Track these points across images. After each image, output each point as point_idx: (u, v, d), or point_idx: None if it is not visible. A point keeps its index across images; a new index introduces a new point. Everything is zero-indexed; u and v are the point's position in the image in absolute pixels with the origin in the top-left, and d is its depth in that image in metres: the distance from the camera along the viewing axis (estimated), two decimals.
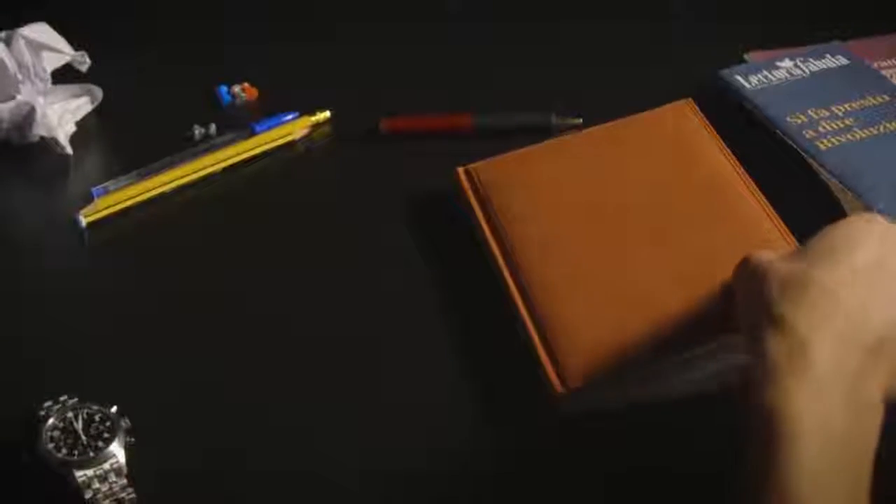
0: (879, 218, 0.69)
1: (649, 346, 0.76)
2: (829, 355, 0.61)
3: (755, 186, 0.85)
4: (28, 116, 0.96)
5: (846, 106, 0.98)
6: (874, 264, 0.65)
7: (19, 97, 0.97)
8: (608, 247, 0.83)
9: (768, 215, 0.83)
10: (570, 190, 0.87)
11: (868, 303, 0.63)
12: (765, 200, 0.84)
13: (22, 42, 0.97)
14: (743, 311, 0.69)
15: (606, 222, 0.84)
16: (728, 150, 0.88)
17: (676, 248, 0.82)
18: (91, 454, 0.71)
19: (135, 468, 0.72)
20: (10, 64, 0.96)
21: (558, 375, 0.77)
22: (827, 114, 0.97)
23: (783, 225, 0.82)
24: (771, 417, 0.60)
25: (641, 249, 0.82)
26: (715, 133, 0.89)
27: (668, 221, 0.84)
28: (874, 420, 0.61)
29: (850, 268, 0.64)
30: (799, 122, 0.96)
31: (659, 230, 0.83)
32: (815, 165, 0.93)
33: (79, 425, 0.72)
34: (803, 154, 0.94)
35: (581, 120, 0.98)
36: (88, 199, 0.93)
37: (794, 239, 0.81)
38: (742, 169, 0.86)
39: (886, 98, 0.99)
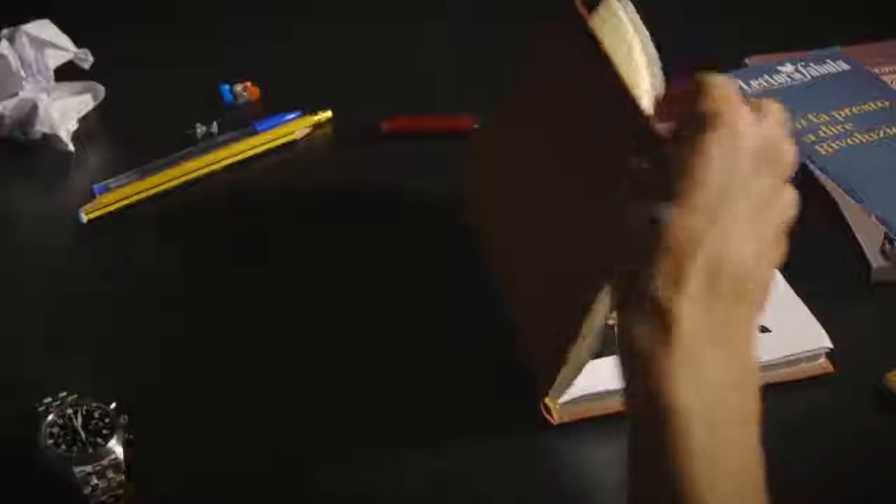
0: (743, 120, 0.56)
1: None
2: (695, 322, 0.54)
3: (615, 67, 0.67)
4: (30, 113, 0.96)
5: (846, 111, 0.98)
6: (724, 193, 0.55)
7: (22, 94, 0.97)
8: (545, 219, 0.77)
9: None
10: (515, 164, 0.83)
11: (727, 244, 0.55)
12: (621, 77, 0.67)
13: (25, 39, 0.97)
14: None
15: (539, 192, 0.78)
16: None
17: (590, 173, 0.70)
18: (90, 450, 0.71)
19: (133, 465, 0.72)
20: (13, 61, 0.96)
21: (539, 376, 0.76)
22: (827, 118, 0.98)
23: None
24: (651, 406, 0.53)
25: (569, 202, 0.73)
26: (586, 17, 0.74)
27: (582, 144, 0.73)
28: (754, 377, 0.56)
29: (706, 203, 0.54)
30: (799, 126, 0.97)
31: (571, 159, 0.74)
32: (814, 170, 0.93)
33: (78, 422, 0.73)
34: (803, 158, 0.94)
35: None
36: (90, 197, 0.93)
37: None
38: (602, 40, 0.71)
39: (886, 103, 0.99)
